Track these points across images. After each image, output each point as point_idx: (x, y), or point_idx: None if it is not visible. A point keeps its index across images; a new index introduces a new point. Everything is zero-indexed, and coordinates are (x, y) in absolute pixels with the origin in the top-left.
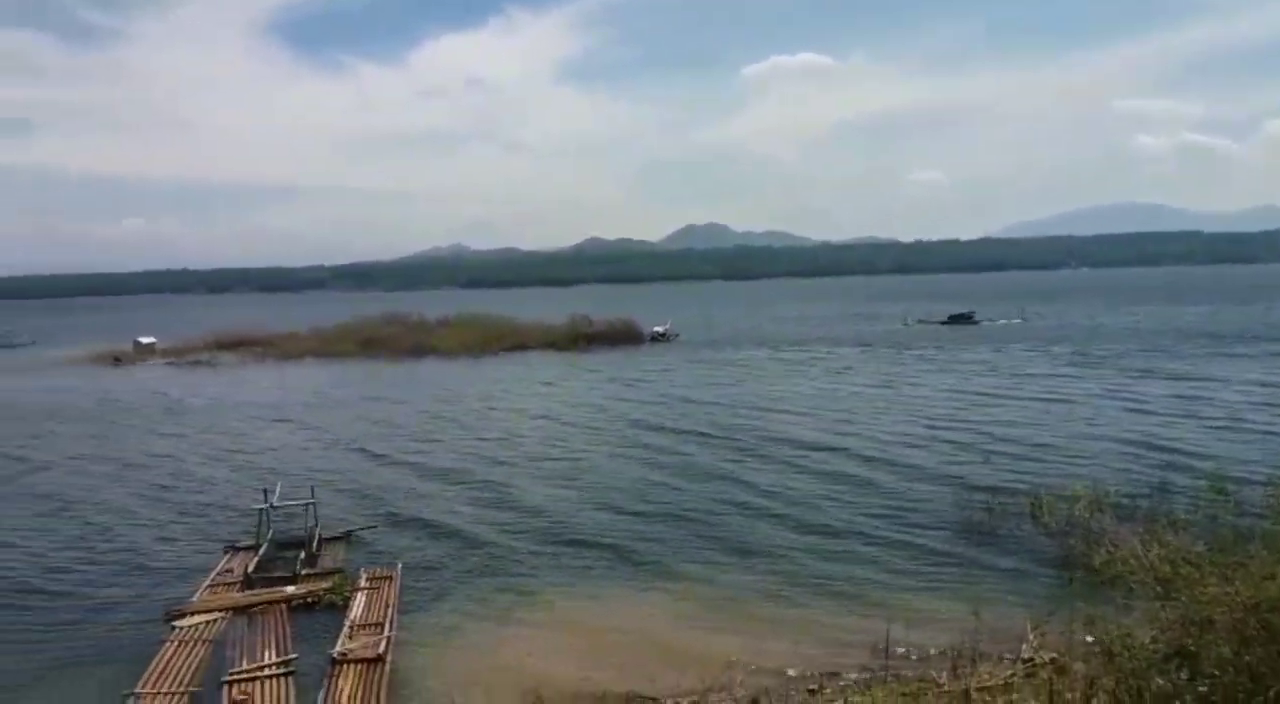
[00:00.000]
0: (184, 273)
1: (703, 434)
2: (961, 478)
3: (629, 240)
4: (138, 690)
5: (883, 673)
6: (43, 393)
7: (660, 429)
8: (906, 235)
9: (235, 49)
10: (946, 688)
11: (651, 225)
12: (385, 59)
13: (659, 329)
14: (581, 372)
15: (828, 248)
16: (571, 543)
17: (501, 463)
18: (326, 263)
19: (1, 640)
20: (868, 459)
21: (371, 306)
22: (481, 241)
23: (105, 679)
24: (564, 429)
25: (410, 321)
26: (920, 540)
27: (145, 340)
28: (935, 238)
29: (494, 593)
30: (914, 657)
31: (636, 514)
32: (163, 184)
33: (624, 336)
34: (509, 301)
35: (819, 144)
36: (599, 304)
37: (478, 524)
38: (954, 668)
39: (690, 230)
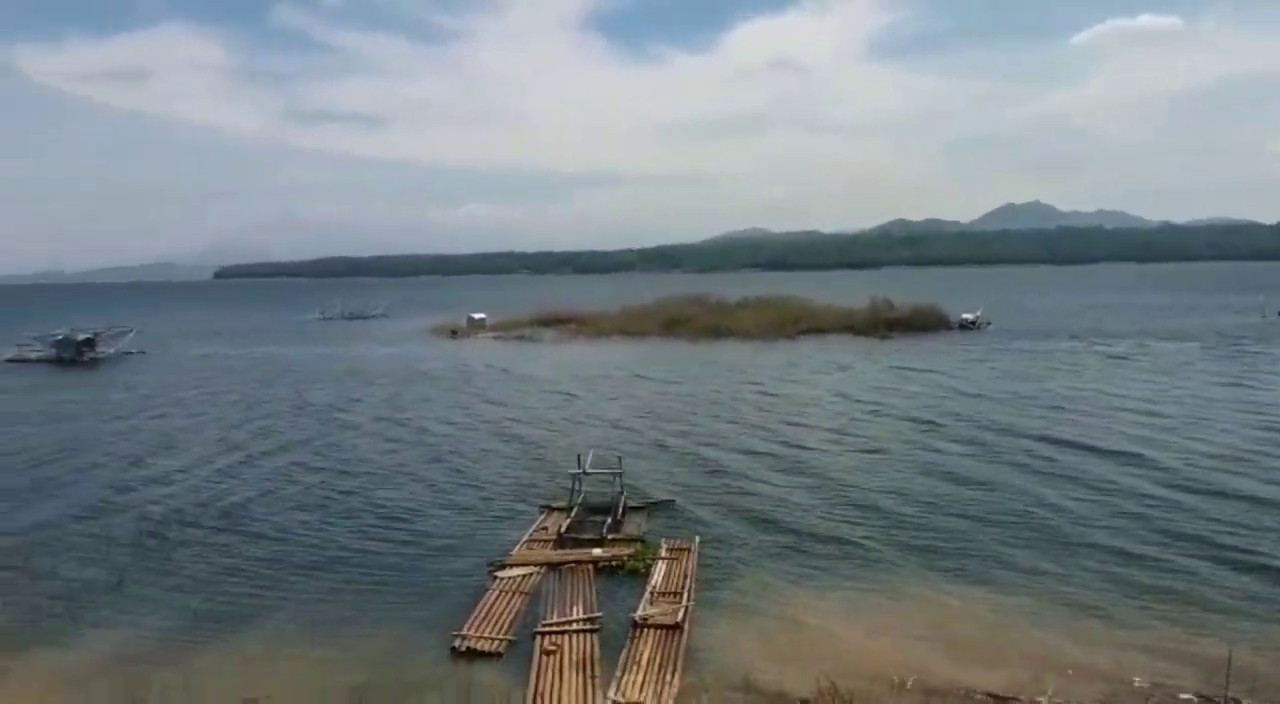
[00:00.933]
0: (510, 255)
1: (1005, 430)
2: None
3: (938, 221)
4: (464, 632)
5: (1221, 698)
6: (389, 361)
7: (959, 422)
8: (1267, 216)
9: (559, 44)
10: None
11: (963, 205)
12: (696, 47)
13: (968, 317)
14: (879, 358)
15: (1168, 229)
16: (864, 533)
17: (794, 446)
18: (635, 246)
19: (346, 581)
20: (1184, 476)
21: (675, 287)
22: (783, 223)
23: (435, 619)
24: (857, 417)
25: (710, 303)
26: (1262, 561)
27: (477, 316)
28: None
29: (787, 575)
30: (1257, 685)
31: (931, 508)
32: (496, 173)
33: (929, 323)
34: (809, 284)
35: (1159, 115)
36: (903, 288)
37: (771, 506)
38: None
39: (1009, 210)
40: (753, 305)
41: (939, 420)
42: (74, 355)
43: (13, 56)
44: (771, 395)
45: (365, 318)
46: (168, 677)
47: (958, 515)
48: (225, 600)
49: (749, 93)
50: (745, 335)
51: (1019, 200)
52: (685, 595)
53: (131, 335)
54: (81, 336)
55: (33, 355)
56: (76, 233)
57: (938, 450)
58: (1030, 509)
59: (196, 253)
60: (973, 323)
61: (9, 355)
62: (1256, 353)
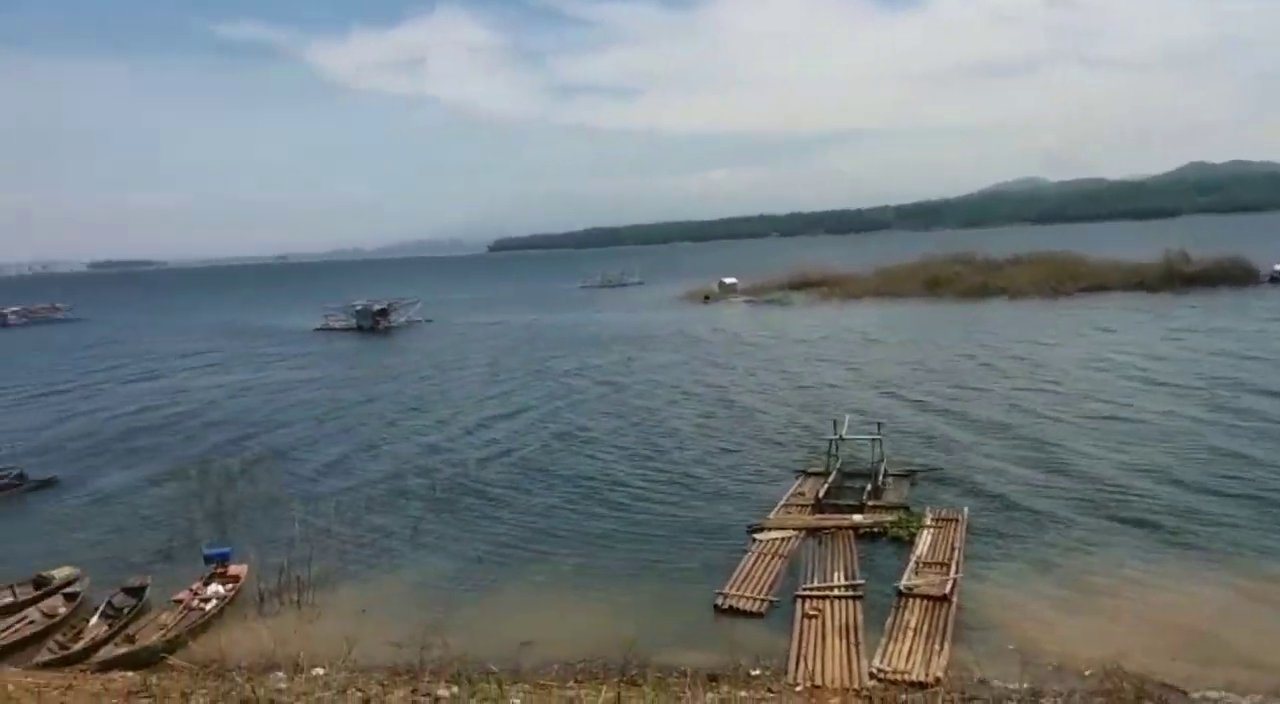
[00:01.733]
0: (759, 219)
1: None
2: None
3: (1244, 162)
4: (726, 591)
5: None
6: (651, 326)
7: (1259, 394)
8: None
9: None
10: None
11: (1277, 143)
12: None
13: None
14: (1171, 317)
15: None
16: (1141, 510)
17: (1065, 420)
18: (891, 203)
19: (616, 540)
20: None
21: (935, 245)
22: (1059, 172)
23: (697, 576)
24: (1134, 385)
25: (976, 261)
26: None
27: (728, 281)
28: None
29: (1061, 550)
30: None
31: (1216, 493)
32: (742, 137)
33: (1233, 277)
34: (1089, 237)
35: None
36: (1203, 238)
37: (1042, 478)
38: None
39: None
40: (1025, 262)
41: (1226, 390)
42: (371, 324)
43: (305, 53)
44: (1039, 361)
45: (623, 285)
46: (454, 618)
47: (1250, 497)
48: (503, 550)
49: (1019, 30)
50: (1018, 294)
51: None
52: (953, 567)
53: (418, 306)
54: (377, 307)
55: (337, 324)
56: (368, 212)
57: (1220, 427)
58: None
59: (474, 227)
60: None
61: (318, 324)
62: None
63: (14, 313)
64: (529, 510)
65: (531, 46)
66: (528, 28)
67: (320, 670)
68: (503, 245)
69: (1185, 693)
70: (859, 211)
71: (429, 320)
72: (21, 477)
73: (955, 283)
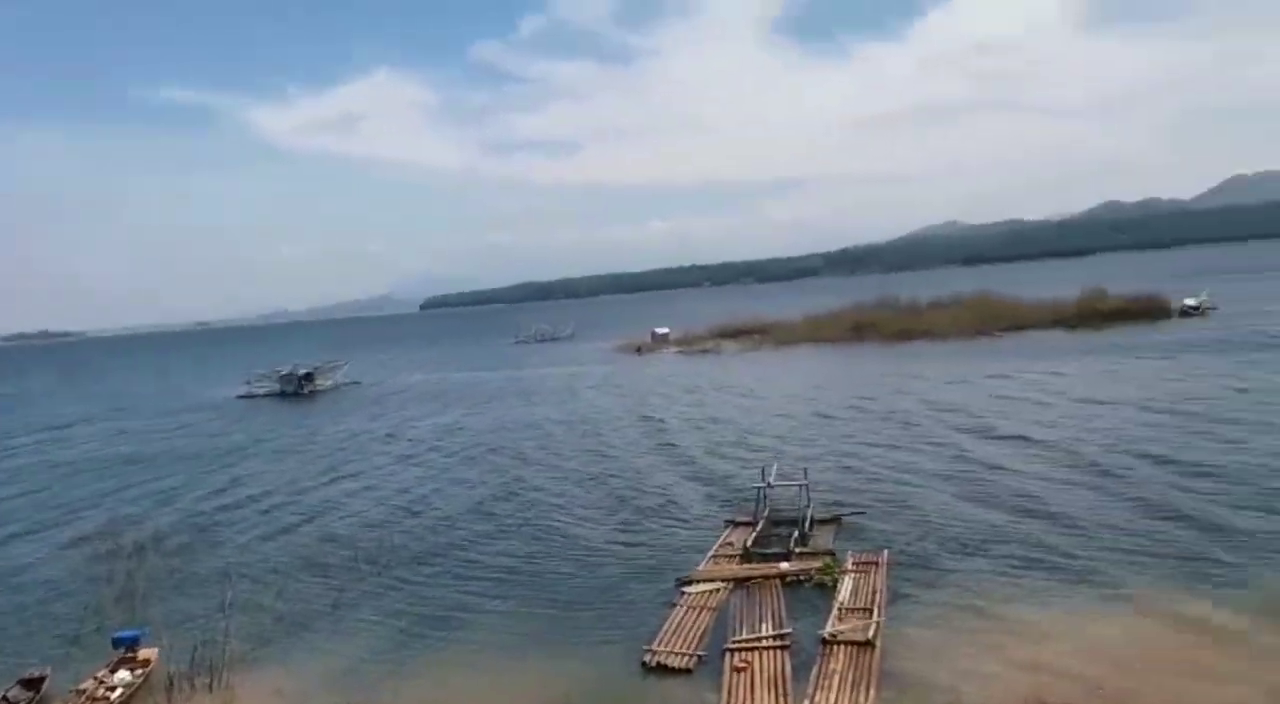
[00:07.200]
0: (693, 268)
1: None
2: None
3: (1155, 201)
4: (654, 648)
5: None
6: (582, 379)
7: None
8: None
9: (745, 50)
10: None
11: (1184, 181)
12: (887, 35)
13: (1191, 302)
14: (1089, 354)
15: None
16: (1055, 546)
17: (981, 461)
18: (821, 249)
19: (544, 600)
20: None
21: (863, 291)
22: (982, 215)
23: (624, 636)
24: (1047, 424)
25: (900, 305)
26: None
27: (661, 331)
28: None
29: (980, 590)
30: None
31: (1129, 530)
32: (680, 187)
33: (1148, 312)
34: (1012, 278)
35: None
36: (1118, 276)
37: (960, 518)
38: None
39: (1238, 182)
40: (947, 304)
41: (1136, 430)
42: (296, 389)
43: (247, 117)
44: (956, 404)
45: (555, 340)
46: (379, 693)
47: (1156, 530)
48: (428, 618)
49: (943, 81)
50: (940, 336)
51: (1249, 171)
52: (875, 610)
53: (345, 368)
54: (303, 371)
55: (261, 390)
56: (300, 275)
57: (1134, 463)
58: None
59: (409, 285)
60: (1196, 308)
61: (240, 391)
62: None
63: None
64: (455, 575)
65: (471, 104)
66: (465, 85)
67: None
68: (434, 303)
69: None
70: (789, 259)
71: (357, 382)
72: None
73: (881, 327)
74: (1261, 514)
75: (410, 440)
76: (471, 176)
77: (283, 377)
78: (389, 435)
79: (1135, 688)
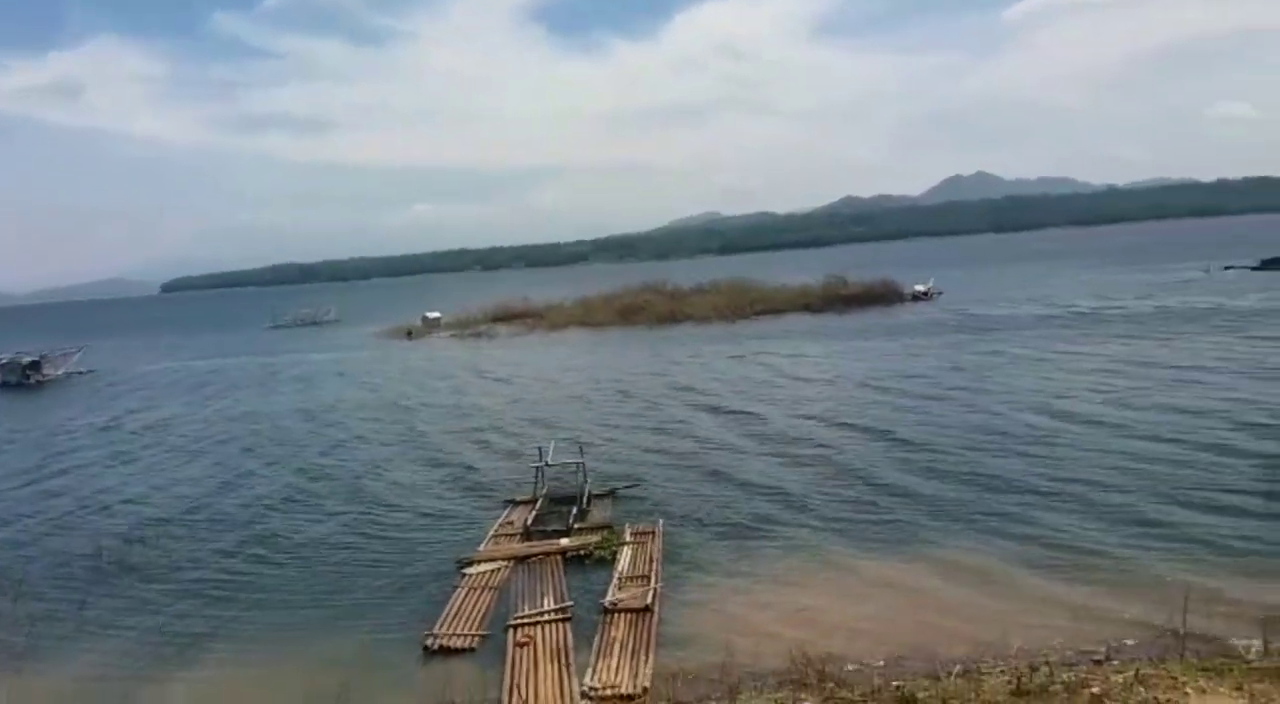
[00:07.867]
0: (463, 253)
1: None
2: None
3: (887, 197)
4: (435, 631)
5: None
6: (345, 365)
7: (906, 392)
8: (1206, 175)
9: (502, 39)
10: (1256, 664)
11: (911, 180)
12: (640, 35)
13: (920, 288)
14: (831, 334)
15: (1113, 193)
16: (821, 508)
17: (744, 433)
18: (588, 237)
19: (314, 593)
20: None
21: (631, 277)
22: (735, 208)
23: (404, 621)
24: (807, 395)
25: (665, 290)
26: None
27: (431, 315)
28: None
29: (752, 552)
30: (1213, 636)
31: (887, 481)
32: (444, 172)
33: (883, 297)
34: (764, 265)
35: (1101, 82)
36: (856, 264)
37: (732, 486)
38: (1265, 644)
39: (955, 182)
40: (708, 290)
41: (892, 390)
42: (19, 379)
43: None
44: (721, 378)
45: (318, 323)
46: (141, 699)
47: (912, 488)
48: (189, 619)
49: (695, 80)
50: (703, 319)
51: (965, 172)
52: (653, 578)
53: (78, 355)
54: (28, 360)
55: None
56: (21, 254)
57: (891, 422)
58: (980, 470)
59: (148, 268)
60: (925, 293)
61: None
62: (1187, 313)
63: None
64: (214, 570)
65: (210, 77)
66: (204, 57)
67: None
68: (178, 285)
69: (861, 667)
70: (559, 245)
71: (91, 371)
72: None
73: (648, 311)
74: (950, 482)
75: (155, 431)
76: (216, 153)
77: (4, 366)
78: (126, 424)
79: (885, 636)
